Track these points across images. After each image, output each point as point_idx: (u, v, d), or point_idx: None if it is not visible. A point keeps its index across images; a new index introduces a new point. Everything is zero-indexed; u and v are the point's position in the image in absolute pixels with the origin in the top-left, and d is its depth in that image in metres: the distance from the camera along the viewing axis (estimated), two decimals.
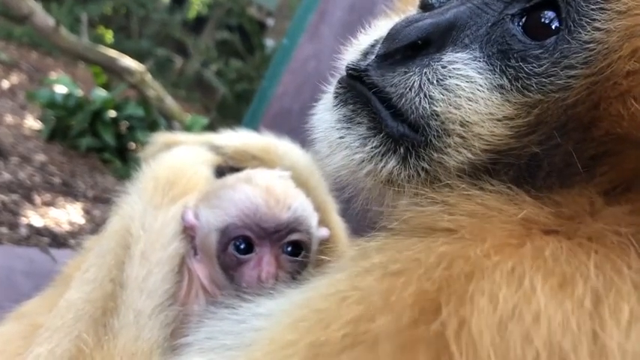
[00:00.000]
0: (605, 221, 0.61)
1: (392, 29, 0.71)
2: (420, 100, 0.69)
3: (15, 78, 7.49)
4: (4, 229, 3.80)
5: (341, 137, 0.72)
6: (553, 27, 0.66)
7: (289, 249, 1.00)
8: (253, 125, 3.28)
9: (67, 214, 4.44)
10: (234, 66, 8.58)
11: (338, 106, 0.74)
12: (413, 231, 0.66)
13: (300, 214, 1.00)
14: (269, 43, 8.68)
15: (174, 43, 10.67)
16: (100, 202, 4.80)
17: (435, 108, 0.68)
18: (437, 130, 0.68)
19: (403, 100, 0.69)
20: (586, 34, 0.63)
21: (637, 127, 0.60)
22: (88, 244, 1.19)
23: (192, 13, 11.13)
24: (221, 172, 1.19)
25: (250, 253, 0.98)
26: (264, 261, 0.97)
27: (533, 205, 0.64)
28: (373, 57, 0.72)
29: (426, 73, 0.69)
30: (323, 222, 1.12)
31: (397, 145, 0.70)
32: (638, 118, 0.60)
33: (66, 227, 4.22)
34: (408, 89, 0.69)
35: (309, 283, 0.72)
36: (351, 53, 0.77)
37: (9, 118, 5.90)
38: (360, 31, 0.81)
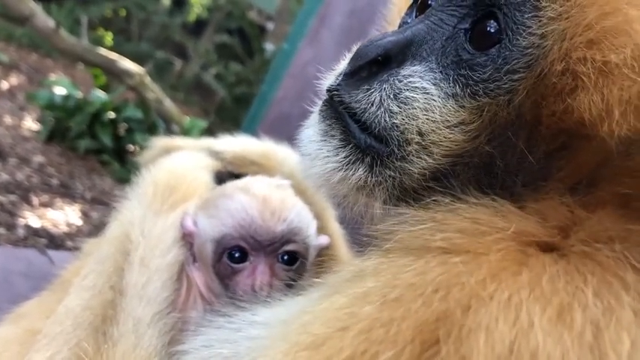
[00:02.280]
0: (593, 231, 0.62)
1: (357, 49, 0.77)
2: (381, 114, 0.74)
3: (14, 79, 7.48)
4: (2, 230, 3.79)
5: (318, 149, 0.79)
6: (496, 37, 0.71)
7: (285, 258, 1.01)
8: (252, 129, 3.28)
9: (65, 216, 4.43)
10: (233, 69, 8.58)
11: (319, 122, 0.81)
12: (406, 250, 0.67)
13: (295, 226, 1.01)
14: (269, 46, 8.69)
15: (173, 46, 10.68)
16: (98, 204, 4.79)
17: (394, 120, 0.74)
18: (398, 140, 0.74)
19: (367, 114, 0.75)
20: (523, 41, 0.68)
21: (574, 122, 0.65)
22: (87, 248, 1.19)
23: (192, 16, 11.13)
24: (220, 177, 1.19)
25: (245, 262, 0.99)
26: (258, 270, 0.98)
27: (519, 216, 0.66)
28: (342, 76, 0.79)
29: (385, 88, 0.75)
30: (322, 229, 1.12)
31: (364, 155, 0.76)
32: (570, 113, 0.65)
33: (64, 229, 4.21)
34: (370, 104, 0.75)
35: (307, 297, 0.72)
36: (330, 78, 0.83)
37: (8, 119, 5.89)
38: (350, 49, 0.87)
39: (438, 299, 0.57)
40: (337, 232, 1.20)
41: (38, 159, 5.18)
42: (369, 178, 0.76)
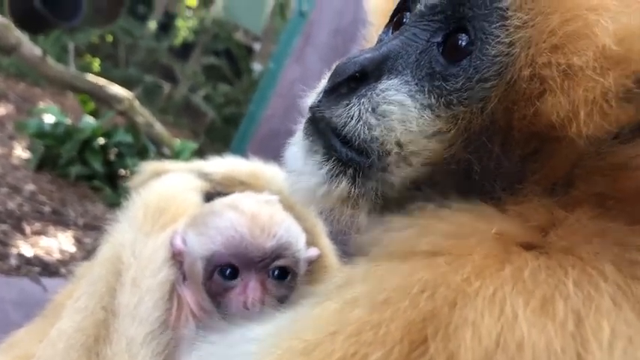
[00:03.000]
0: (573, 229, 0.65)
1: (336, 66, 0.80)
2: (360, 128, 0.77)
3: (3, 109, 7.47)
4: None
5: (303, 165, 0.82)
6: (466, 48, 0.74)
7: (276, 273, 1.01)
8: (242, 148, 3.30)
9: (58, 243, 4.41)
10: (222, 90, 8.62)
11: (303, 139, 0.83)
12: (392, 255, 0.69)
13: (285, 241, 1.01)
14: (256, 66, 8.75)
15: (161, 69, 10.70)
16: (91, 230, 4.78)
17: (373, 133, 0.76)
18: (378, 152, 0.76)
19: (347, 128, 0.78)
20: (492, 49, 0.71)
21: (544, 125, 0.67)
22: (80, 271, 1.20)
23: (178, 39, 11.18)
24: (210, 198, 1.21)
25: (236, 279, 0.99)
26: (250, 287, 0.98)
27: (501, 218, 0.69)
28: (322, 93, 0.82)
29: (363, 102, 0.77)
30: (312, 243, 1.13)
31: (346, 168, 0.79)
32: (538, 116, 0.67)
33: (57, 256, 4.19)
34: (349, 119, 0.78)
35: (298, 307, 0.74)
36: (312, 96, 0.86)
37: None
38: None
39: (424, 299, 0.59)
40: (327, 246, 1.21)
41: (29, 187, 5.17)
42: (353, 190, 0.78)
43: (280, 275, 1.02)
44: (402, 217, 0.73)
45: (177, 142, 6.16)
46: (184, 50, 11.16)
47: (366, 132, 0.77)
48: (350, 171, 0.78)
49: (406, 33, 0.80)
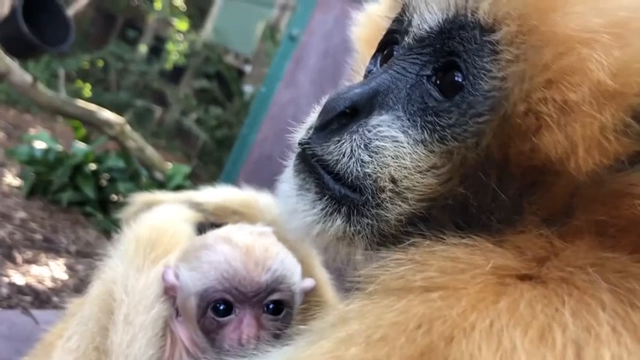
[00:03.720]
0: (569, 260, 0.64)
1: (326, 102, 0.79)
2: (353, 164, 0.76)
3: None
4: None
5: (295, 204, 0.80)
6: (457, 82, 0.73)
7: (270, 308, 0.99)
8: (235, 172, 3.29)
9: (50, 271, 4.37)
10: (213, 113, 8.63)
11: (294, 176, 0.82)
12: (388, 291, 0.67)
13: (279, 274, 1.00)
14: (247, 88, 8.78)
15: (152, 93, 10.74)
16: (83, 257, 4.74)
17: (365, 170, 0.76)
18: (372, 189, 0.75)
19: (339, 165, 0.77)
20: (485, 84, 0.70)
21: (542, 160, 0.66)
22: (71, 308, 1.17)
23: (169, 63, 11.23)
24: (202, 229, 1.19)
25: (230, 315, 0.97)
26: (244, 323, 0.96)
27: (497, 252, 0.67)
28: (312, 130, 0.81)
29: (355, 139, 0.76)
30: (307, 274, 1.12)
31: (340, 205, 0.78)
32: (536, 152, 0.66)
33: (49, 284, 4.14)
34: (342, 155, 0.77)
35: (293, 346, 0.72)
36: (301, 131, 0.85)
37: None
38: (327, 90, 0.89)
39: (421, 334, 0.58)
40: (323, 277, 1.20)
41: (20, 215, 5.13)
42: (348, 228, 0.77)
43: (275, 310, 1.00)
44: (398, 253, 0.71)
45: (169, 166, 6.15)
46: (175, 74, 11.22)
47: (359, 169, 0.76)
48: (344, 209, 0.77)
49: (395, 67, 0.79)
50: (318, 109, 0.84)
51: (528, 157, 0.68)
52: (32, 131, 7.70)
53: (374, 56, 0.92)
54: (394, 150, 0.75)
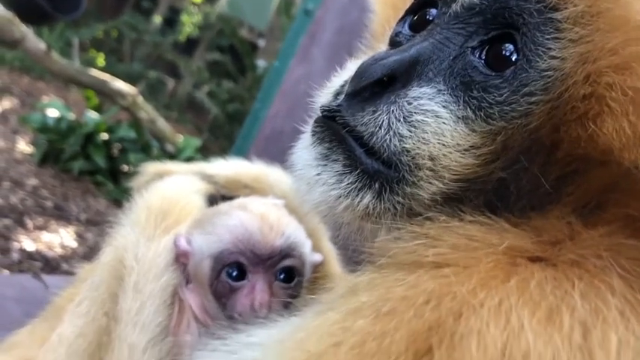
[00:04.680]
0: (584, 244, 0.63)
1: (359, 68, 0.74)
2: (390, 139, 0.71)
3: (7, 103, 7.49)
4: None
5: (318, 174, 0.75)
6: (512, 58, 0.69)
7: (282, 276, 1.00)
8: (246, 147, 3.29)
9: (60, 238, 4.42)
10: (226, 87, 8.60)
11: (314, 145, 0.76)
12: (399, 265, 0.67)
13: (293, 241, 1.01)
14: (261, 63, 8.73)
15: (165, 65, 10.72)
16: (93, 226, 4.79)
17: (404, 145, 0.71)
18: (408, 165, 0.71)
19: (374, 138, 0.72)
20: (543, 63, 0.66)
21: (595, 148, 0.63)
22: (81, 274, 1.19)
23: (183, 35, 11.18)
24: (213, 200, 1.20)
25: (243, 279, 0.98)
26: (257, 288, 0.97)
27: (513, 232, 0.66)
28: (343, 96, 0.75)
29: (393, 111, 0.72)
30: (315, 248, 1.12)
31: (372, 181, 0.72)
32: (595, 140, 0.63)
33: (58, 251, 4.20)
34: (377, 128, 0.72)
35: (302, 316, 0.72)
36: (325, 95, 0.80)
37: (1, 143, 5.90)
38: (341, 65, 0.84)
39: (429, 309, 0.58)
40: (330, 251, 1.20)
41: (32, 182, 5.18)
42: (377, 206, 0.73)
43: (287, 278, 1.01)
44: (412, 226, 0.70)
45: (180, 139, 6.16)
46: (189, 46, 11.18)
47: (397, 143, 0.71)
48: (376, 185, 0.72)
49: (437, 36, 0.74)
50: (343, 72, 0.80)
51: (583, 145, 0.64)
52: (45, 99, 7.73)
53: (402, 19, 0.86)
54: (435, 126, 0.70)
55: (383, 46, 0.90)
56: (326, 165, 0.75)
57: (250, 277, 0.99)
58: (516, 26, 0.68)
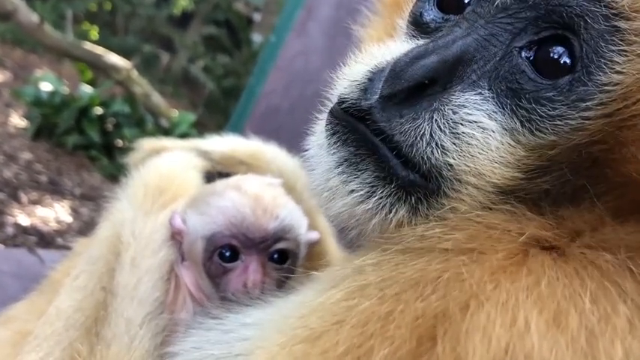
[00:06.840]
0: (604, 237, 0.61)
1: (395, 66, 0.66)
2: (433, 151, 0.65)
3: None
4: None
5: (344, 183, 0.68)
6: (564, 63, 0.63)
7: (276, 257, 1.01)
8: (241, 123, 3.28)
9: (55, 213, 4.42)
10: (221, 61, 8.53)
11: (337, 146, 0.70)
12: (409, 249, 0.66)
13: (287, 223, 1.00)
14: (256, 38, 8.64)
15: (160, 39, 10.59)
16: (88, 200, 4.78)
17: (447, 159, 0.65)
18: (450, 180, 0.66)
19: (414, 149, 0.66)
20: (605, 77, 0.61)
21: None
22: (77, 247, 1.19)
23: (178, 8, 11.04)
24: (209, 177, 1.20)
25: (236, 261, 0.99)
26: (251, 269, 0.97)
27: (536, 221, 0.63)
28: (376, 96, 0.67)
29: (436, 120, 0.65)
30: (312, 226, 1.13)
31: (408, 195, 0.67)
32: None
33: (53, 226, 4.20)
34: (418, 138, 0.65)
35: (298, 292, 0.73)
36: (345, 84, 0.72)
37: None
38: (350, 57, 0.77)
39: (437, 297, 0.58)
40: (327, 229, 1.21)
41: (26, 156, 5.15)
42: (412, 219, 0.68)
43: (280, 259, 1.01)
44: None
45: (175, 114, 6.12)
46: (183, 19, 11.03)
47: (439, 157, 0.65)
48: (412, 199, 0.67)
49: (481, 30, 0.67)
50: (360, 56, 0.74)
51: (634, 166, 0.60)
52: (38, 72, 7.65)
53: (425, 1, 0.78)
54: (482, 139, 0.65)
55: (398, 20, 0.83)
56: (352, 174, 0.68)
57: (243, 258, 0.99)
58: (574, 29, 0.62)
